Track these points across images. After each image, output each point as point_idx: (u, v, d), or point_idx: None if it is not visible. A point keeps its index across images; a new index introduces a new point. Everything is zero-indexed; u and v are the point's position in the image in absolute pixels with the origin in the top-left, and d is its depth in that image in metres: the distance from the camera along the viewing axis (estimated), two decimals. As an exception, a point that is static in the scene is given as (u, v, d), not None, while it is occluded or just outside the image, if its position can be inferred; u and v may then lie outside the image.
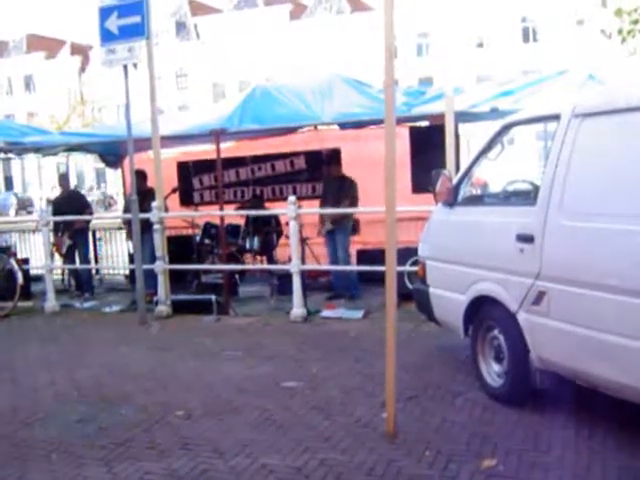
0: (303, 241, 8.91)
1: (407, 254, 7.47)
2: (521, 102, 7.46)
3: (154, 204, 8.56)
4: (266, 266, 10.49)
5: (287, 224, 8.27)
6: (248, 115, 9.14)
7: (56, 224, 10.42)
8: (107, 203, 43.03)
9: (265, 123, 9.11)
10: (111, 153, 12.25)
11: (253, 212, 10.21)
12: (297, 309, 7.93)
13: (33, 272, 11.02)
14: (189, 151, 11.50)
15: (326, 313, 8.22)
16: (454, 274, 5.27)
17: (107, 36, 8.17)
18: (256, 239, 10.24)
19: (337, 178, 9.41)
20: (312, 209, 9.60)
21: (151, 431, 4.71)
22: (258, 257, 10.76)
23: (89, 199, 13.63)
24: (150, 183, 9.48)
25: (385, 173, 4.24)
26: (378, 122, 8.00)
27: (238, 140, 10.70)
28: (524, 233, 4.44)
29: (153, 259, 8.77)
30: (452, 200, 5.38)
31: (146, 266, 8.66)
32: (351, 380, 5.59)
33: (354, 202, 8.98)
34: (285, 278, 8.62)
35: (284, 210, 8.27)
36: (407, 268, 7.61)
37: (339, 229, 9.22)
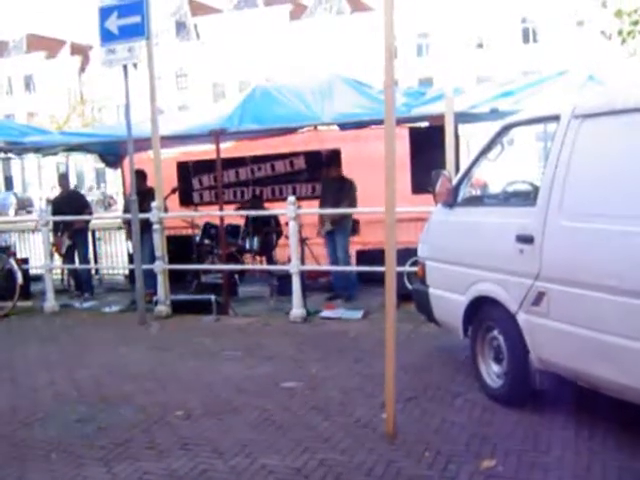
0: (303, 241, 8.90)
1: (407, 255, 7.47)
2: (521, 103, 7.46)
3: (154, 204, 8.56)
4: (266, 266, 10.49)
5: (287, 224, 8.27)
6: (248, 115, 9.14)
7: (56, 224, 10.42)
8: (107, 203, 43.04)
9: (265, 123, 9.11)
10: (111, 153, 12.25)
11: (253, 212, 10.21)
12: (296, 309, 7.93)
13: (33, 272, 11.03)
14: (189, 151, 11.50)
15: (326, 313, 8.22)
16: (454, 275, 5.27)
17: (107, 36, 8.17)
18: (256, 239, 10.24)
19: (336, 179, 9.41)
20: (312, 209, 9.60)
21: (150, 431, 4.71)
22: (258, 257, 10.76)
23: (89, 199, 13.62)
24: (150, 183, 9.48)
25: (385, 174, 4.24)
26: (378, 123, 7.99)
27: (238, 140, 10.70)
28: (524, 234, 4.44)
29: (153, 259, 8.77)
30: (452, 201, 5.38)
31: (146, 266, 8.66)
32: (350, 380, 5.59)
33: (353, 203, 8.98)
34: (285, 278, 8.62)
35: (284, 210, 8.26)
36: (407, 268, 7.61)
37: (338, 230, 9.23)
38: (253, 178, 11.63)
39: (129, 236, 10.06)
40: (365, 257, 9.51)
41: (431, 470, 3.87)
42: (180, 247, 10.16)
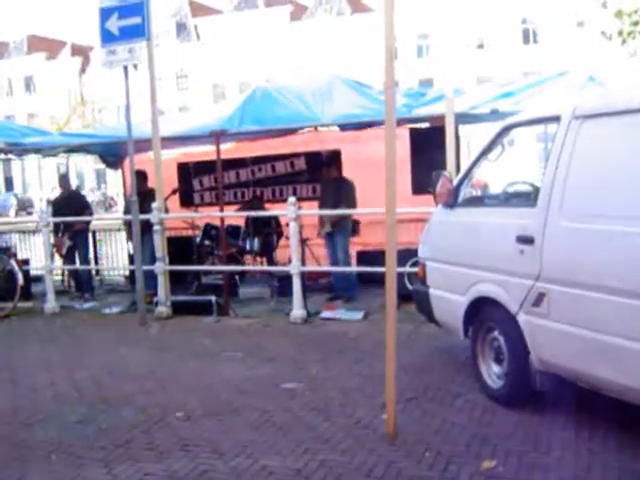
0: (303, 242, 8.90)
1: (407, 255, 7.47)
2: (521, 104, 7.47)
3: (154, 205, 8.56)
4: (266, 267, 10.49)
5: (287, 225, 8.27)
6: (248, 116, 9.15)
7: (56, 225, 10.43)
8: (107, 204, 43.05)
9: (265, 124, 9.11)
10: (111, 154, 12.25)
11: (253, 213, 10.21)
12: (297, 310, 7.93)
13: (33, 273, 11.03)
14: (189, 152, 11.50)
15: (326, 314, 8.22)
16: (454, 275, 5.27)
17: (107, 37, 8.17)
18: (256, 240, 10.23)
19: (335, 180, 9.42)
20: (312, 210, 9.60)
21: (151, 432, 4.71)
22: (258, 258, 10.76)
23: (89, 200, 13.63)
24: (150, 184, 9.48)
25: (385, 174, 4.25)
26: (378, 123, 8.00)
27: (238, 141, 10.70)
28: (524, 234, 4.44)
29: (153, 260, 8.77)
30: (452, 201, 5.38)
31: (146, 267, 8.67)
32: (351, 381, 5.59)
33: (352, 204, 8.98)
34: (285, 279, 8.62)
35: (284, 211, 8.27)
36: (407, 269, 7.61)
37: (338, 231, 9.23)
38: (253, 179, 11.63)
39: (130, 237, 10.06)
40: (366, 258, 9.51)
41: (431, 471, 3.87)
42: (180, 248, 10.17)
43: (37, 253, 11.54)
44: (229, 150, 10.41)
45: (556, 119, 4.46)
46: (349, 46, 49.25)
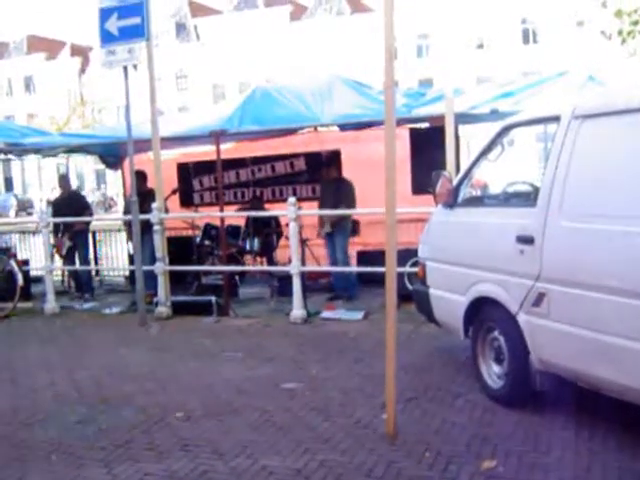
0: (303, 242, 8.91)
1: (407, 255, 7.48)
2: (521, 103, 7.47)
3: (154, 205, 8.56)
4: (266, 267, 10.49)
5: (287, 225, 8.27)
6: (248, 116, 9.15)
7: (56, 225, 10.43)
8: (107, 204, 43.05)
9: (265, 124, 9.11)
10: (111, 154, 12.26)
11: (253, 213, 10.22)
12: (297, 310, 7.93)
13: (33, 273, 11.04)
14: (189, 152, 11.51)
15: (326, 314, 8.22)
16: (454, 275, 5.27)
17: (107, 37, 8.17)
18: (256, 240, 10.23)
19: (334, 180, 9.43)
20: (312, 210, 9.61)
21: (151, 432, 4.71)
22: (258, 258, 10.76)
23: (89, 200, 13.63)
24: (150, 184, 9.48)
25: (385, 174, 4.25)
26: (378, 123, 8.00)
27: (238, 141, 10.70)
28: (524, 234, 4.44)
29: (153, 260, 8.77)
30: (452, 201, 5.38)
31: (146, 267, 8.67)
32: (351, 381, 5.59)
33: (351, 204, 8.98)
34: (285, 279, 8.62)
35: (284, 211, 8.26)
36: (407, 269, 7.61)
37: (338, 231, 9.24)
38: (253, 179, 11.63)
39: (130, 237, 10.06)
40: (366, 258, 9.51)
41: (431, 471, 3.87)
42: (180, 248, 10.17)
43: (37, 253, 11.54)
44: (229, 150, 10.41)
45: (556, 119, 4.46)
46: (349, 46, 49.24)
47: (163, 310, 8.61)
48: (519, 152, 27.90)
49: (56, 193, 12.87)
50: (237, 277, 9.86)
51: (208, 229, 10.34)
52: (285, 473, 3.95)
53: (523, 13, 46.34)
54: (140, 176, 9.38)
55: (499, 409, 4.73)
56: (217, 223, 9.70)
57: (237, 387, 5.61)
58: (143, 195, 8.91)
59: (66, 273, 11.36)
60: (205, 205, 11.63)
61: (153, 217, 8.57)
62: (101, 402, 5.40)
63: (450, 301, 5.36)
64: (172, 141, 9.74)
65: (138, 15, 7.92)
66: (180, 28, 59.21)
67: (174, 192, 10.02)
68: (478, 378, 5.15)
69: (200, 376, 6.01)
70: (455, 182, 5.46)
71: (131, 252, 10.41)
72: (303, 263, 8.59)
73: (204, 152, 10.52)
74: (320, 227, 9.44)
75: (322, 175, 9.82)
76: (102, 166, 15.99)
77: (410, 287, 6.97)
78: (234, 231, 10.27)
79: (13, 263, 9.70)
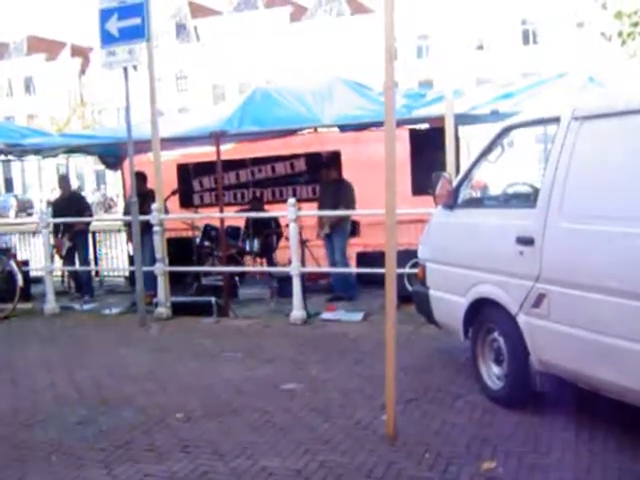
0: (303, 243, 8.91)
1: (407, 256, 7.48)
2: (521, 105, 7.47)
3: (154, 206, 8.56)
4: (266, 268, 10.50)
5: (287, 226, 8.27)
6: (248, 117, 9.15)
7: (56, 226, 10.43)
8: (107, 205, 43.05)
9: (265, 125, 9.11)
10: (111, 155, 12.26)
11: (253, 214, 10.22)
12: (297, 311, 7.93)
13: (33, 274, 11.04)
14: (189, 153, 11.51)
15: (326, 315, 8.22)
16: (454, 276, 5.27)
17: (107, 38, 8.17)
18: (256, 241, 10.24)
19: (334, 181, 9.44)
20: (312, 211, 9.61)
21: (151, 433, 4.71)
22: (258, 259, 10.76)
23: (89, 201, 13.64)
24: (150, 185, 9.48)
25: (385, 175, 4.25)
26: (378, 124, 8.00)
27: (238, 142, 10.70)
28: (524, 235, 4.44)
29: (153, 261, 8.77)
30: (452, 202, 5.38)
31: (146, 268, 8.67)
32: (351, 382, 5.59)
33: (350, 205, 8.99)
34: (285, 280, 8.63)
35: (284, 212, 8.27)
36: (407, 270, 7.61)
37: (336, 232, 9.25)
38: (253, 180, 11.63)
39: (130, 238, 10.06)
40: (366, 259, 9.52)
41: (431, 472, 3.87)
42: (180, 249, 10.17)
43: (37, 254, 11.53)
44: (229, 151, 10.41)
45: (556, 120, 4.46)
46: (349, 47, 49.26)
47: (163, 311, 8.61)
48: (519, 153, 27.89)
49: (56, 194, 12.88)
50: (237, 278, 9.86)
51: (208, 230, 10.34)
52: (285, 474, 3.95)
53: (523, 14, 46.36)
54: (140, 177, 9.38)
55: (499, 410, 4.73)
56: (217, 224, 9.71)
57: (237, 388, 5.61)
58: (143, 196, 8.92)
59: (66, 274, 11.37)
60: (205, 206, 11.63)
61: (153, 218, 8.57)
62: (101, 403, 5.40)
63: (450, 302, 5.36)
64: (172, 142, 9.74)
65: (138, 16, 7.92)
66: (180, 29, 59.24)
67: (174, 193, 10.03)
68: (478, 379, 5.15)
69: (200, 377, 6.01)
70: (455, 183, 5.46)
71: (131, 253, 10.41)
72: (303, 264, 8.59)
73: (204, 153, 10.51)
74: (319, 228, 9.44)
75: (322, 176, 9.83)
76: (102, 167, 16.03)
77: (410, 288, 6.98)
78: (234, 232, 10.27)
79: (13, 264, 9.70)
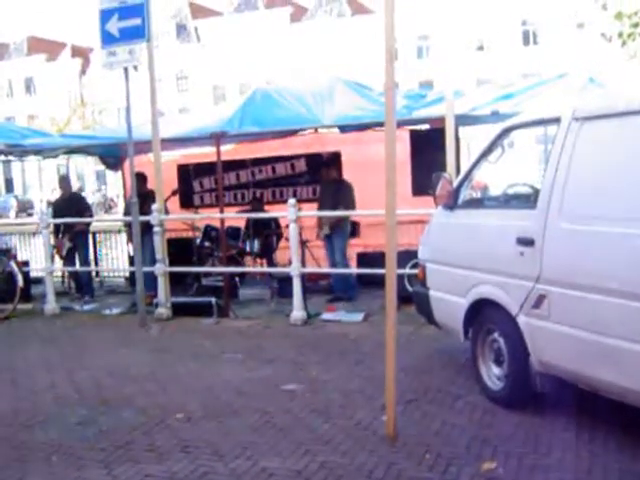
0: (303, 244, 8.91)
1: (407, 257, 7.48)
2: (521, 105, 7.47)
3: (154, 207, 8.57)
4: (266, 269, 10.50)
5: (287, 227, 8.27)
6: (248, 118, 9.15)
7: (56, 226, 10.43)
8: (107, 205, 43.04)
9: (265, 126, 9.11)
10: (111, 155, 12.27)
11: (253, 215, 10.22)
12: (297, 312, 7.93)
13: (33, 274, 11.04)
14: (189, 154, 11.51)
15: (326, 316, 8.22)
16: (454, 277, 5.27)
17: (108, 38, 8.18)
18: (256, 242, 10.24)
19: (334, 182, 9.45)
20: (312, 212, 9.60)
21: (151, 434, 4.71)
22: (258, 260, 10.77)
23: (90, 201, 13.64)
24: (150, 186, 9.48)
25: (385, 176, 4.25)
26: (379, 125, 8.00)
27: (238, 143, 10.70)
28: (524, 236, 4.44)
29: (153, 261, 8.77)
30: (452, 203, 5.38)
31: (146, 268, 8.67)
32: (351, 383, 5.59)
33: (350, 206, 8.99)
34: (285, 281, 8.63)
35: (284, 213, 8.27)
36: (407, 271, 7.61)
37: (336, 233, 9.25)
38: (254, 180, 11.64)
39: (130, 238, 10.07)
40: (366, 259, 9.52)
41: (432, 472, 3.87)
42: (181, 249, 10.18)
43: (37, 255, 11.54)
44: (229, 152, 10.42)
45: (556, 121, 4.46)
46: (349, 48, 49.24)
47: (163, 311, 8.61)
48: (519, 154, 27.90)
49: (56, 194, 12.88)
50: (237, 278, 9.86)
51: (208, 230, 10.34)
52: (285, 475, 3.95)
53: (523, 15, 46.35)
54: (140, 178, 9.39)
55: (499, 411, 4.73)
56: (217, 224, 9.71)
57: (237, 388, 5.61)
58: (143, 196, 8.92)
59: (66, 274, 11.37)
60: (205, 206, 11.63)
61: (153, 218, 8.58)
62: (101, 403, 5.40)
63: (450, 303, 5.36)
64: (172, 142, 9.75)
65: (139, 16, 7.92)
66: (180, 29, 59.25)
67: (174, 193, 10.03)
68: (478, 380, 5.15)
69: (200, 377, 6.01)
70: (455, 184, 5.46)
71: (131, 253, 10.41)
72: (303, 264, 8.59)
73: (204, 153, 10.52)
74: (318, 228, 9.44)
75: (322, 176, 9.83)
76: (102, 167, 16.03)
77: (410, 289, 6.98)
78: (234, 232, 10.27)
79: (13, 264, 9.70)
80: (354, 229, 9.68)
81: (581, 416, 4.43)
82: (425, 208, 6.82)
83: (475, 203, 5.76)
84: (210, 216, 10.39)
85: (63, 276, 11.53)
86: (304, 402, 5.19)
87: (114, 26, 8.08)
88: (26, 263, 11.19)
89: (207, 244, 10.34)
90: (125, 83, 8.18)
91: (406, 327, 6.82)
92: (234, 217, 10.41)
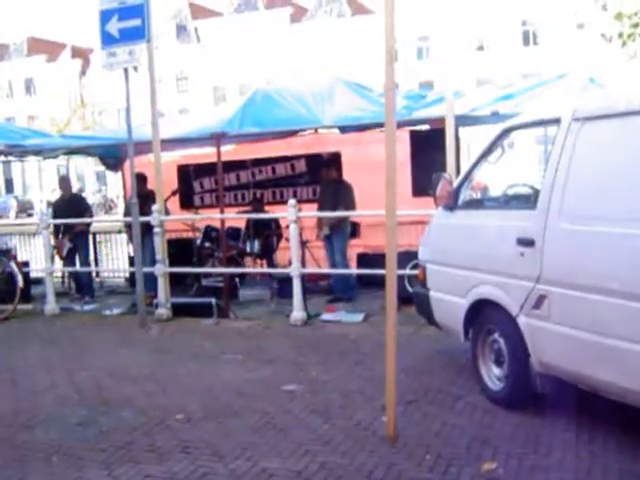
0: (303, 244, 8.91)
1: (407, 258, 7.48)
2: (521, 106, 7.47)
3: (154, 207, 8.57)
4: (266, 269, 10.50)
5: (287, 227, 8.27)
6: (249, 118, 9.15)
7: (56, 227, 10.43)
8: (107, 206, 43.04)
9: (266, 126, 9.11)
10: (111, 156, 12.27)
11: (253, 215, 10.22)
12: (297, 312, 7.93)
13: (33, 275, 11.05)
14: (190, 154, 11.51)
15: (326, 316, 8.22)
16: (454, 278, 5.27)
17: (108, 39, 8.18)
18: (256, 242, 10.24)
19: (333, 182, 9.45)
20: (312, 212, 9.60)
21: (151, 434, 4.71)
22: (258, 260, 10.77)
23: (90, 202, 13.65)
24: (150, 186, 9.48)
25: (386, 176, 4.25)
26: (379, 125, 8.01)
27: (239, 143, 10.71)
28: (524, 237, 4.44)
29: (153, 262, 8.77)
30: (452, 204, 5.38)
31: (146, 269, 8.67)
32: (351, 383, 5.59)
33: (350, 206, 8.99)
34: (285, 281, 8.63)
35: (284, 213, 8.27)
36: (407, 272, 7.61)
37: (336, 233, 9.25)
38: (254, 181, 11.64)
39: (130, 239, 10.07)
40: (366, 260, 9.52)
41: (432, 473, 3.87)
42: (181, 250, 10.18)
43: (37, 255, 11.53)
44: (229, 152, 10.42)
45: (556, 121, 4.46)
46: (349, 48, 49.26)
47: (163, 312, 8.61)
48: (519, 154, 27.91)
49: (56, 195, 12.89)
50: (237, 279, 9.86)
51: (208, 231, 10.34)
52: (285, 475, 3.95)
53: (523, 15, 46.37)
54: (140, 178, 9.38)
55: (499, 411, 4.73)
56: (217, 225, 9.71)
57: (237, 389, 5.61)
58: (143, 197, 8.92)
59: (66, 275, 11.37)
60: (205, 207, 11.63)
61: (153, 219, 8.58)
62: (102, 404, 5.40)
63: (450, 303, 5.36)
64: (172, 143, 9.75)
65: (138, 17, 7.92)
66: (181, 30, 59.27)
67: (174, 193, 10.03)
68: (478, 380, 5.15)
69: (200, 378, 6.01)
70: (455, 184, 5.46)
71: (131, 254, 10.41)
72: (303, 265, 8.59)
73: (205, 154, 10.53)
74: (319, 229, 9.44)
75: (322, 176, 9.83)
76: (102, 168, 16.03)
77: (410, 289, 6.98)
78: (234, 233, 10.27)
79: (13, 265, 9.70)
80: (354, 230, 9.68)
81: (581, 416, 4.43)
82: (425, 209, 6.82)
83: (475, 204, 5.76)
84: (210, 217, 10.39)
85: (63, 277, 11.53)
86: (304, 403, 5.19)
87: (114, 27, 8.09)
88: (26, 264, 11.19)
89: (207, 245, 10.34)
90: (125, 84, 8.18)
91: (406, 328, 6.82)
92: (234, 218, 10.41)
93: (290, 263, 8.23)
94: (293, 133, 9.89)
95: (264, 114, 9.17)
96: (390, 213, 4.30)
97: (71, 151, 11.86)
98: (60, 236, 10.48)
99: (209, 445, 4.45)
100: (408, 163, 8.81)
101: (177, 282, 9.32)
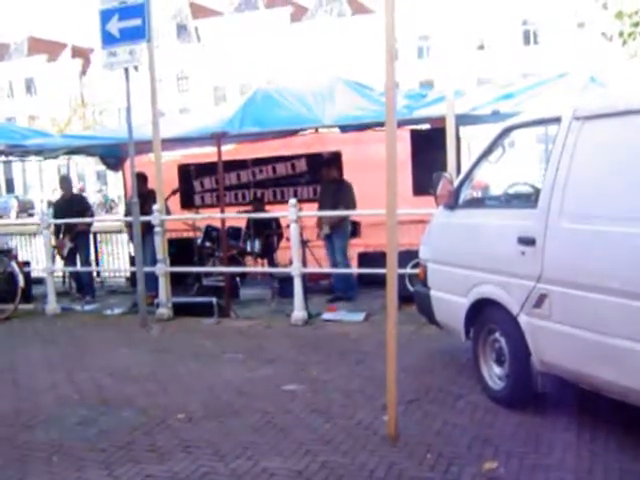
0: (304, 244, 8.91)
1: (408, 257, 7.48)
2: (522, 105, 7.47)
3: (155, 207, 8.57)
4: (267, 269, 10.50)
5: (288, 227, 8.27)
6: (249, 118, 9.14)
7: (57, 227, 10.44)
8: (108, 206, 43.05)
9: (266, 126, 9.10)
10: (112, 156, 12.28)
11: (254, 215, 10.22)
12: (298, 312, 7.93)
13: (34, 275, 11.05)
14: (190, 154, 11.51)
15: (327, 316, 8.22)
16: (455, 277, 5.27)
17: (108, 39, 8.18)
18: (257, 242, 10.24)
19: (334, 181, 9.45)
20: (313, 212, 9.60)
21: (152, 434, 4.71)
22: (259, 260, 10.77)
23: (92, 201, 13.65)
24: (151, 186, 9.48)
25: (386, 176, 4.25)
26: (379, 125, 8.00)
27: (239, 143, 10.71)
28: (525, 236, 4.44)
29: (154, 261, 8.77)
30: (453, 203, 5.38)
31: (147, 268, 8.67)
32: (352, 383, 5.59)
33: (350, 206, 8.99)
34: (286, 281, 8.63)
35: (285, 213, 8.26)
36: (408, 271, 7.61)
37: (336, 233, 9.25)
38: (254, 180, 11.64)
39: (131, 239, 10.08)
40: (367, 259, 9.52)
41: (433, 472, 3.87)
42: (181, 250, 10.19)
43: (38, 255, 11.54)
44: (230, 152, 10.42)
45: (557, 120, 4.46)
46: (350, 47, 49.25)
47: (164, 311, 8.61)
48: (520, 153, 27.90)
49: (57, 194, 12.89)
50: (238, 278, 9.86)
51: (209, 230, 10.34)
52: (286, 475, 3.95)
53: (524, 14, 46.35)
54: (141, 178, 9.38)
55: (500, 410, 4.73)
56: (218, 224, 9.71)
57: (238, 389, 5.61)
58: (144, 197, 8.92)
59: (67, 274, 11.37)
60: (206, 207, 11.64)
61: (154, 219, 8.58)
62: (102, 404, 5.40)
63: (451, 303, 5.36)
64: (173, 143, 9.74)
65: (139, 16, 7.92)
66: (181, 29, 59.26)
67: (174, 193, 10.02)
68: (479, 380, 5.14)
69: (201, 377, 6.01)
70: (456, 183, 5.46)
71: (132, 253, 10.41)
72: (304, 264, 8.59)
73: (205, 154, 10.53)
74: (319, 229, 9.44)
75: (322, 176, 9.83)
76: (103, 167, 16.03)
77: (411, 289, 6.97)
78: (235, 232, 10.27)
79: (14, 264, 9.70)
80: (355, 229, 9.68)
81: (582, 416, 4.43)
82: (426, 208, 6.81)
83: (476, 203, 5.76)
84: (211, 216, 10.39)
85: (64, 276, 11.54)
86: (305, 402, 5.19)
87: (114, 26, 8.08)
88: (27, 263, 11.21)
89: (208, 244, 10.34)
90: (126, 83, 8.19)
91: (407, 327, 6.82)
92: (235, 217, 10.41)
93: (291, 262, 8.23)
94: (294, 133, 9.89)
95: (264, 114, 9.17)
96: (391, 212, 4.30)
97: (72, 151, 11.85)
98: (61, 236, 10.48)
99: (210, 445, 4.45)
100: (409, 162, 8.79)
101: (178, 282, 9.32)
